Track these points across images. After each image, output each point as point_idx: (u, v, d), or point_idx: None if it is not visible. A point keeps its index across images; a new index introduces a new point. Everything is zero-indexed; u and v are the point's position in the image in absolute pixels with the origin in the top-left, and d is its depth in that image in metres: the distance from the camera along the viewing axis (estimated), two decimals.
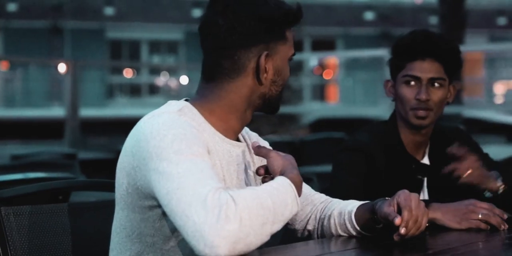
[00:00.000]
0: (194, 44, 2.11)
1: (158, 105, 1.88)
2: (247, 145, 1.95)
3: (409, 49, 2.44)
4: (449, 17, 10.36)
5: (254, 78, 1.82)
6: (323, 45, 22.64)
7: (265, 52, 1.81)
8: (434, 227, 2.02)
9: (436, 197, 2.31)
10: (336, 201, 2.00)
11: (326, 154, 6.39)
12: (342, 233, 1.93)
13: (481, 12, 22.85)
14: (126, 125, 1.83)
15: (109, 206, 1.91)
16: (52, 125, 13.16)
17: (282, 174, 1.72)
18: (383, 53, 8.25)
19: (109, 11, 21.69)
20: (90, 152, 7.06)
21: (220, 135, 1.84)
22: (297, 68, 15.99)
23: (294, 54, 1.90)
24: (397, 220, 1.73)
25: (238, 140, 1.91)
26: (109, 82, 21.80)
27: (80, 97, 9.85)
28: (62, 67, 10.80)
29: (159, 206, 1.68)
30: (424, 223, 1.77)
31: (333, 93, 23.42)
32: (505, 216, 2.05)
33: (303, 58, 16.89)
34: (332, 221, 1.94)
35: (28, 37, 21.23)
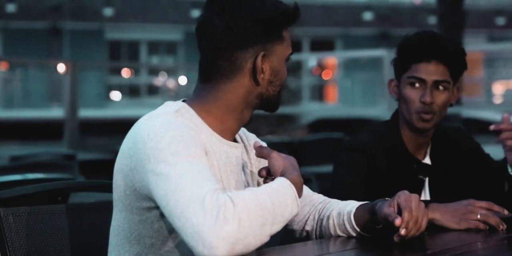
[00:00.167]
0: (193, 45, 2.12)
1: (157, 106, 1.88)
2: (245, 145, 1.95)
3: (415, 51, 2.43)
4: (448, 17, 10.36)
5: (251, 78, 1.82)
6: (322, 45, 22.65)
7: (262, 53, 1.81)
8: (433, 227, 2.02)
9: (437, 197, 2.31)
10: (335, 202, 1.99)
11: (325, 154, 6.41)
12: (341, 234, 1.93)
13: (480, 12, 22.86)
14: (125, 125, 1.83)
15: (108, 207, 1.91)
16: (51, 126, 13.15)
17: (282, 175, 1.72)
18: (382, 53, 8.25)
19: (108, 12, 21.69)
20: (89, 153, 7.06)
21: (217, 136, 1.84)
22: (296, 68, 15.98)
23: (291, 54, 1.89)
24: (398, 221, 1.73)
25: (235, 140, 1.91)
26: (108, 82, 21.80)
27: (79, 98, 9.85)
28: (61, 68, 10.80)
29: (157, 207, 1.68)
30: (424, 224, 1.77)
31: (332, 93, 23.41)
32: (506, 212, 2.05)
33: (302, 59, 16.91)
34: (331, 221, 1.93)
35: (27, 38, 21.23)
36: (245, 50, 1.81)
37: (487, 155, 2.63)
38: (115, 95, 22.05)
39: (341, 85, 22.26)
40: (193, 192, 1.56)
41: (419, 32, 2.51)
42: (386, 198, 1.84)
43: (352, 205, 1.93)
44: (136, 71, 22.68)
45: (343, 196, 2.14)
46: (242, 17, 1.80)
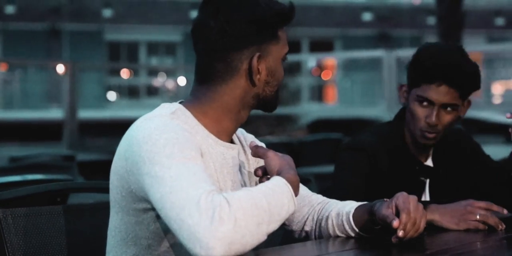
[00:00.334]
0: (192, 46, 2.11)
1: (156, 106, 1.88)
2: (243, 146, 1.95)
3: (428, 72, 2.38)
4: (447, 18, 10.36)
5: (247, 79, 1.82)
6: (321, 46, 22.66)
7: (257, 54, 1.81)
8: (432, 227, 2.02)
9: (437, 199, 2.30)
10: (334, 202, 1.99)
11: (324, 155, 6.41)
12: (340, 234, 1.93)
13: (479, 12, 22.87)
14: (124, 126, 1.83)
15: (107, 208, 1.90)
16: (51, 127, 13.15)
17: (279, 174, 1.72)
18: (381, 54, 8.25)
19: (107, 13, 21.70)
20: (88, 153, 7.05)
21: (214, 137, 1.83)
22: (295, 69, 16.00)
23: (287, 53, 1.89)
24: (395, 223, 1.73)
25: (232, 141, 1.91)
26: (107, 83, 21.80)
27: (79, 99, 9.85)
28: (60, 69, 10.80)
29: (153, 209, 1.68)
30: (422, 226, 1.77)
31: (331, 94, 23.41)
32: (505, 211, 2.05)
33: (301, 59, 16.92)
34: (330, 222, 1.93)
35: (27, 39, 21.24)
36: (241, 51, 1.81)
37: (488, 156, 2.62)
38: (111, 96, 22.05)
39: (340, 85, 22.26)
40: (188, 194, 1.56)
41: (439, 49, 2.43)
42: (385, 199, 1.84)
43: (350, 206, 1.93)
44: (135, 72, 22.68)
45: (343, 195, 2.13)
46: (236, 19, 1.80)
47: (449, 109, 2.41)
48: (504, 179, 2.50)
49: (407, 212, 1.75)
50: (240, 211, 1.53)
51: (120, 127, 1.80)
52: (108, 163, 1.81)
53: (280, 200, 1.64)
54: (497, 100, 18.21)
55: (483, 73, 2.49)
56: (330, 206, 1.97)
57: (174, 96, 16.79)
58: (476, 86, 2.44)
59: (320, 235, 1.97)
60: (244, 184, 1.90)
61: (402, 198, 1.78)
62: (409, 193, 1.94)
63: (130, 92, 22.46)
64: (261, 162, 1.97)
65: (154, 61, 23.26)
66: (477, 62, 2.48)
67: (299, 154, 5.98)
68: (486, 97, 16.79)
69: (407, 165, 2.47)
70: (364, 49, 17.67)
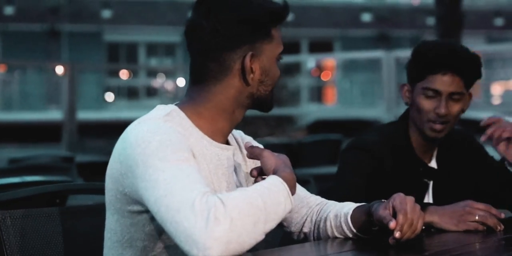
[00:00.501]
0: (186, 47, 2.12)
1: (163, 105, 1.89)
2: (240, 148, 1.95)
3: (432, 62, 2.40)
4: (446, 18, 10.35)
5: (240, 79, 1.82)
6: (321, 46, 22.66)
7: (250, 53, 1.81)
8: (431, 228, 2.02)
9: (440, 201, 2.29)
10: (332, 203, 1.99)
11: (323, 156, 6.40)
12: (338, 235, 1.92)
13: (478, 13, 22.87)
14: (123, 127, 1.83)
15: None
16: (50, 128, 13.15)
17: (275, 173, 1.72)
18: (381, 54, 8.25)
19: (106, 14, 21.69)
20: (87, 155, 7.06)
21: (208, 138, 1.83)
22: (294, 69, 15.99)
23: (282, 52, 1.88)
24: (392, 224, 1.73)
25: (228, 142, 1.91)
26: (106, 84, 21.80)
27: (78, 100, 9.85)
28: (59, 70, 10.80)
29: (147, 211, 1.69)
30: (419, 227, 1.77)
31: (331, 94, 23.42)
32: (503, 215, 2.05)
33: (301, 60, 16.91)
34: (328, 223, 1.93)
35: (26, 40, 21.23)
36: (233, 51, 1.81)
37: (492, 158, 2.62)
38: (109, 97, 22.04)
39: (340, 86, 22.26)
40: (182, 196, 1.56)
41: (438, 42, 2.49)
42: (383, 200, 1.84)
43: (348, 207, 1.93)
44: (134, 73, 22.67)
45: (344, 195, 2.13)
46: (228, 18, 1.80)
47: (456, 97, 2.42)
48: (508, 181, 2.49)
49: (403, 213, 1.75)
50: (235, 210, 1.54)
51: (119, 128, 1.80)
52: (107, 164, 1.81)
53: (276, 198, 1.64)
54: (496, 101, 18.21)
55: (482, 73, 2.50)
56: (328, 208, 1.97)
57: (173, 97, 16.78)
58: (479, 74, 2.46)
59: (318, 236, 1.96)
60: (240, 185, 1.90)
61: (399, 199, 1.78)
62: (412, 194, 1.94)
63: (129, 93, 22.45)
64: (258, 163, 1.97)
65: (154, 62, 23.26)
66: None
67: (298, 155, 5.97)
68: (485, 98, 16.79)
69: (411, 166, 2.46)
70: (363, 49, 17.66)
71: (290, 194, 1.68)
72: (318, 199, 2.02)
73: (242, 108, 1.86)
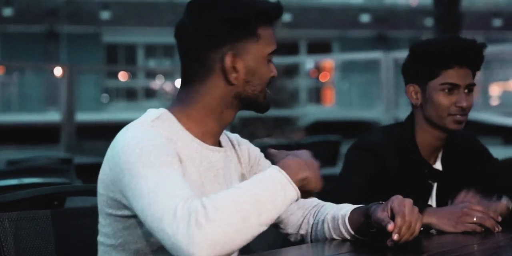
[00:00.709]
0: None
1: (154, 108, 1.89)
2: (236, 151, 1.95)
3: (448, 58, 2.41)
4: (444, 19, 10.37)
5: (223, 79, 1.82)
6: (319, 47, 22.67)
7: (230, 52, 1.80)
8: (430, 230, 2.03)
9: (443, 203, 2.29)
10: (329, 205, 1.99)
11: (322, 157, 6.40)
12: (336, 237, 1.92)
13: (477, 13, 22.89)
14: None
15: None
16: (48, 130, 13.14)
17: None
18: (379, 55, 8.24)
19: (105, 15, 21.69)
20: (86, 156, 7.05)
21: (199, 141, 1.83)
22: (293, 70, 16.00)
23: (275, 52, 1.85)
24: (390, 226, 1.73)
25: (219, 144, 1.90)
26: (105, 86, 21.80)
27: (76, 102, 9.85)
28: (58, 72, 10.80)
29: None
30: (417, 229, 1.77)
31: (329, 95, 23.43)
32: (500, 218, 2.05)
33: (299, 61, 16.91)
34: (325, 225, 1.93)
35: (24, 41, 21.23)
36: (214, 50, 1.80)
37: (496, 160, 2.62)
38: (105, 98, 22.02)
39: (338, 87, 22.27)
40: (164, 204, 1.57)
41: (444, 38, 2.50)
42: (381, 202, 1.84)
43: (346, 209, 1.93)
44: (133, 75, 22.68)
45: (346, 195, 2.13)
46: (209, 18, 1.80)
47: (471, 88, 2.45)
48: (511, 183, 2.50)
49: (402, 215, 1.75)
50: (217, 211, 1.54)
51: (118, 130, 1.80)
52: None
53: (271, 187, 1.62)
54: (494, 102, 18.24)
55: (480, 74, 2.51)
56: (325, 210, 1.97)
57: (172, 98, 16.80)
58: (481, 64, 2.50)
59: (316, 238, 1.96)
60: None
61: (397, 201, 1.78)
62: (416, 196, 1.94)
63: (128, 95, 22.45)
64: (255, 166, 1.97)
65: (152, 63, 23.26)
66: None
67: None
68: (484, 99, 16.82)
69: (416, 167, 2.46)
70: (362, 50, 17.67)
71: (290, 180, 1.65)
72: (315, 201, 2.02)
73: (231, 108, 1.85)
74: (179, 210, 1.55)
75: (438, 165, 2.51)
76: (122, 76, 22.17)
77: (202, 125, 1.84)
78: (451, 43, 2.44)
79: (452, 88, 2.42)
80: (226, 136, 1.97)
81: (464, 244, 1.90)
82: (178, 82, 15.22)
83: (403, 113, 7.81)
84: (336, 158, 6.34)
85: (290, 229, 1.99)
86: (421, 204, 2.01)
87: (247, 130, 12.78)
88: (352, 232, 1.88)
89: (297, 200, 1.67)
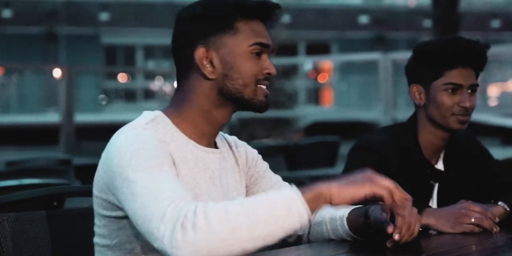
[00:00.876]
0: None
1: (153, 110, 1.89)
2: (233, 152, 1.96)
3: (452, 58, 2.42)
4: (443, 20, 10.36)
5: (201, 74, 1.83)
6: (318, 48, 22.66)
7: (200, 46, 1.81)
8: (429, 230, 2.03)
9: (444, 203, 2.29)
10: (327, 206, 1.99)
11: (320, 158, 6.40)
12: (334, 238, 1.93)
13: (475, 15, 22.90)
14: None
15: None
16: (47, 131, 13.14)
17: None
18: (378, 56, 8.25)
19: (104, 16, 21.69)
20: (85, 157, 7.05)
21: (194, 143, 1.84)
22: (291, 72, 16.00)
23: (259, 44, 1.83)
24: (390, 229, 1.74)
25: (215, 145, 1.91)
26: (104, 87, 21.79)
27: (75, 103, 9.85)
28: (57, 73, 10.80)
29: None
30: (417, 230, 1.77)
31: (328, 96, 23.43)
32: (497, 219, 2.06)
33: (298, 62, 16.91)
34: (324, 226, 1.94)
35: (23, 43, 21.21)
36: (188, 47, 1.83)
37: (497, 162, 2.63)
38: (102, 100, 22.00)
39: (337, 88, 22.27)
40: (154, 207, 1.58)
41: (447, 39, 2.51)
42: (379, 202, 1.85)
43: (344, 210, 1.93)
44: (132, 76, 22.66)
45: None
46: (183, 17, 1.84)
47: (475, 88, 2.46)
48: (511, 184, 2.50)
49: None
50: (206, 219, 1.53)
51: (117, 131, 1.80)
52: None
53: (275, 202, 1.58)
54: (493, 103, 18.25)
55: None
56: (323, 211, 1.97)
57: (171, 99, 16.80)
58: (485, 65, 2.51)
59: (314, 239, 1.97)
60: (228, 188, 1.89)
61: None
62: (418, 196, 1.93)
63: (127, 96, 22.44)
64: (252, 167, 1.98)
65: (151, 65, 23.26)
66: None
67: (295, 157, 5.96)
68: (482, 99, 16.82)
69: (418, 167, 2.46)
70: (360, 51, 17.68)
71: (303, 200, 1.59)
72: None
73: (221, 108, 1.85)
74: (168, 213, 1.55)
75: (440, 166, 2.52)
76: (121, 77, 22.16)
77: (195, 126, 1.85)
78: (454, 43, 2.45)
79: (456, 88, 2.44)
80: (223, 138, 1.97)
81: (463, 244, 1.90)
82: (175, 84, 15.23)
83: (401, 114, 7.81)
84: (335, 159, 6.35)
85: None
86: (420, 205, 2.02)
87: (245, 131, 12.79)
88: (351, 233, 1.89)
89: (309, 221, 1.61)
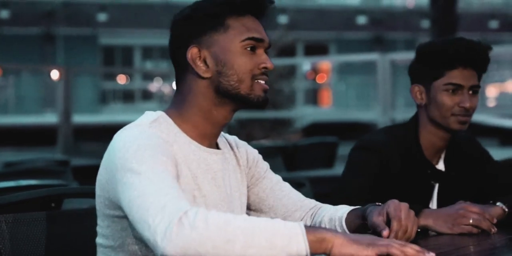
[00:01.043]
0: None
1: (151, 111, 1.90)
2: (234, 152, 1.96)
3: (452, 58, 2.43)
4: (440, 21, 10.36)
5: (195, 73, 1.83)
6: (316, 49, 22.68)
7: (192, 46, 1.82)
8: (427, 231, 2.03)
9: (444, 204, 2.29)
10: (326, 207, 1.99)
11: (319, 158, 6.40)
12: None
13: (473, 15, 22.91)
14: None
15: None
16: (45, 132, 13.13)
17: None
18: (376, 57, 8.25)
19: (102, 17, 21.68)
20: (83, 158, 7.05)
21: (196, 143, 1.84)
22: (290, 72, 16.01)
23: (252, 39, 1.82)
24: (385, 233, 1.73)
25: (217, 145, 1.91)
26: (102, 88, 21.79)
27: (73, 104, 9.84)
28: (54, 74, 10.79)
29: None
30: (413, 233, 1.78)
31: (326, 97, 23.44)
32: (495, 220, 2.06)
33: (296, 63, 16.91)
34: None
35: (21, 43, 21.21)
36: (180, 48, 1.84)
37: (497, 163, 2.63)
38: (101, 100, 22.01)
39: (335, 89, 22.28)
40: (155, 198, 1.57)
41: (448, 39, 2.52)
42: (378, 203, 1.85)
43: (343, 211, 1.93)
44: (130, 77, 22.67)
45: (347, 195, 2.13)
46: (177, 19, 1.86)
47: (476, 89, 2.47)
48: (511, 184, 2.51)
49: (398, 220, 1.75)
50: (205, 222, 1.51)
51: (115, 132, 1.80)
52: None
53: (277, 229, 1.53)
54: (491, 103, 18.26)
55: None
56: (322, 212, 1.97)
57: (169, 100, 16.79)
58: (487, 66, 2.51)
59: None
60: (230, 189, 1.89)
61: (393, 205, 1.78)
62: (418, 196, 1.93)
63: (125, 97, 22.44)
64: (253, 167, 1.97)
65: (149, 65, 23.26)
66: None
67: (293, 158, 5.96)
68: (481, 100, 16.82)
69: (419, 167, 2.46)
70: (358, 52, 17.68)
71: (305, 238, 1.52)
72: (312, 202, 2.02)
73: (220, 106, 1.85)
74: (169, 206, 1.54)
75: (441, 166, 2.52)
76: (119, 78, 22.16)
77: (196, 126, 1.85)
78: (455, 44, 2.45)
79: (456, 88, 2.44)
80: (224, 138, 1.97)
81: (461, 245, 1.90)
82: (174, 84, 15.24)
83: (400, 114, 7.81)
84: (333, 159, 6.34)
85: None
86: (418, 206, 2.02)
87: (244, 132, 12.79)
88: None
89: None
